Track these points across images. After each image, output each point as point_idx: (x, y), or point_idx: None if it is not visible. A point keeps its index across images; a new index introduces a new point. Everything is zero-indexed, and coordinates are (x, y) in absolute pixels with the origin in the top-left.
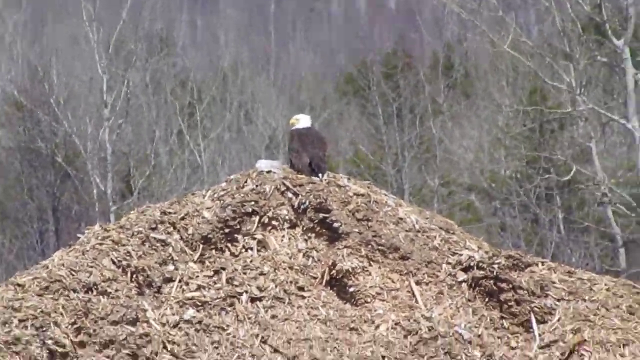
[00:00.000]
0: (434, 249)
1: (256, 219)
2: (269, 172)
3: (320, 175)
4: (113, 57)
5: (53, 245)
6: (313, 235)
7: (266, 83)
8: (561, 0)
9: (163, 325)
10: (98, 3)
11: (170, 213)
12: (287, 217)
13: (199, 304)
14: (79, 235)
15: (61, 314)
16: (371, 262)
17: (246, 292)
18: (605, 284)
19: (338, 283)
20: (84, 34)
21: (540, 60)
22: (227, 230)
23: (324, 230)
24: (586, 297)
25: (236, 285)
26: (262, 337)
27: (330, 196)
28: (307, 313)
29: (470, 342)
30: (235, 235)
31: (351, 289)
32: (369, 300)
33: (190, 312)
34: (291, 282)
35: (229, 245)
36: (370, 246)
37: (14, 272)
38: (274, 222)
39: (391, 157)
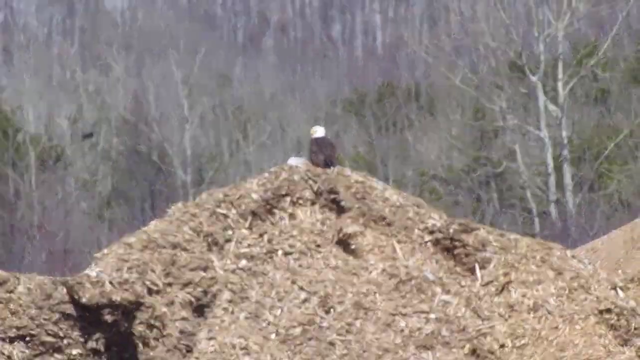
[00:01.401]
0: (409, 218)
1: (288, 198)
2: (296, 166)
3: (331, 168)
4: (191, 87)
5: (150, 217)
6: (327, 209)
7: (294, 105)
8: (494, 49)
9: (225, 271)
10: (181, 50)
11: (229, 195)
12: (309, 197)
13: (249, 257)
14: (167, 210)
15: (155, 263)
16: (366, 228)
17: (281, 248)
18: (526, 242)
19: (344, 242)
20: (171, 72)
21: (481, 90)
22: (268, 207)
23: (334, 206)
24: (512, 251)
25: (274, 244)
26: (292, 279)
27: (338, 183)
28: (322, 263)
29: (434, 282)
30: (274, 209)
31: (353, 247)
32: (364, 254)
33: (243, 262)
34: (312, 242)
35: (269, 216)
36: (365, 217)
37: (123, 235)
38: (300, 201)
39: (380, 155)
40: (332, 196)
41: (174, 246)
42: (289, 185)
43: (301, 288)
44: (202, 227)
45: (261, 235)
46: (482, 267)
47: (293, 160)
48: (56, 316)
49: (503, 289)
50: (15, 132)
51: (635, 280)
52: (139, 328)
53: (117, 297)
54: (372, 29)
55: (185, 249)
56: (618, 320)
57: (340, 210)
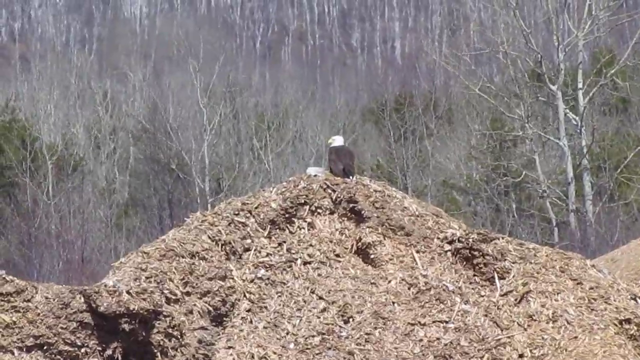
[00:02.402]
0: (428, 228)
1: (307, 207)
2: (315, 175)
3: (350, 177)
4: (210, 96)
5: (168, 225)
6: (345, 219)
7: (313, 114)
8: (514, 58)
9: (243, 280)
10: (201, 60)
11: (248, 203)
12: (328, 206)
13: (268, 266)
14: (185, 219)
15: (174, 272)
16: (385, 237)
17: (300, 258)
18: (545, 252)
19: (363, 252)
20: (190, 81)
21: (500, 99)
22: (287, 215)
23: (353, 215)
24: (532, 261)
25: (293, 253)
26: (311, 289)
27: (357, 192)
28: (341, 272)
29: (453, 292)
30: (293, 218)
31: (372, 256)
32: (383, 263)
33: (262, 272)
34: (331, 251)
35: (288, 225)
36: (384, 226)
37: (141, 244)
38: (319, 210)
39: (399, 165)
40: (351, 205)
41: (193, 255)
42: (307, 194)
43: (320, 297)
44: (220, 236)
45: (280, 245)
46: (501, 277)
47: (312, 170)
48: (74, 325)
49: (522, 298)
50: (32, 141)
51: None
52: (157, 337)
53: (134, 306)
54: (391, 38)
55: (203, 258)
56: (638, 330)
57: (359, 219)
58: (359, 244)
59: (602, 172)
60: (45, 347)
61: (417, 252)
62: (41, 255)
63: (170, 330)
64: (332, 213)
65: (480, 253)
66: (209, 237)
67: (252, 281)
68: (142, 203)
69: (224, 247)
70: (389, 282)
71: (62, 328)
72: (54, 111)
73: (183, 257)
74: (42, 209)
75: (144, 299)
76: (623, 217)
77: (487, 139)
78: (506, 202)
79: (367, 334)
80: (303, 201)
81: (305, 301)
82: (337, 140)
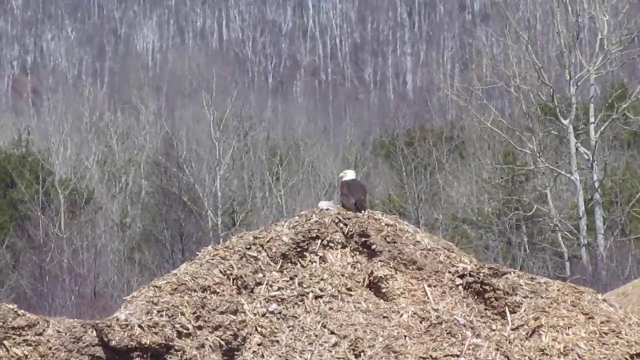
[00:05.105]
0: (439, 262)
1: (318, 241)
2: (327, 209)
3: (362, 211)
4: (223, 130)
5: (180, 259)
6: (357, 253)
7: (325, 148)
8: (526, 92)
9: (255, 314)
10: (214, 94)
11: (260, 237)
12: (339, 240)
13: (279, 300)
14: (197, 253)
15: (185, 306)
16: (397, 272)
17: (312, 291)
18: (556, 286)
19: (375, 286)
20: (202, 115)
21: (512, 133)
22: (298, 249)
23: (365, 250)
24: (543, 295)
25: (305, 287)
26: (323, 323)
27: (369, 226)
28: (353, 306)
29: (464, 326)
30: (304, 252)
31: (383, 290)
32: (395, 297)
33: (273, 306)
34: (342, 285)
35: (300, 259)
36: (396, 260)
37: (153, 278)
38: (330, 244)
39: (411, 199)
40: (363, 239)
41: (204, 289)
42: (319, 228)
43: (332, 332)
44: (232, 270)
45: (292, 279)
46: (512, 311)
47: (324, 204)
48: (86, 359)
49: (533, 333)
50: (45, 175)
51: None
52: None
53: (146, 341)
54: (403, 72)
55: (215, 292)
56: None
57: (371, 253)
58: (371, 277)
59: (614, 207)
60: None
61: (429, 286)
62: (53, 289)
63: None
64: (344, 247)
65: (492, 287)
66: (221, 271)
67: (263, 315)
68: (155, 237)
69: (235, 281)
70: (401, 316)
71: None
72: (66, 145)
73: (195, 291)
74: (55, 242)
75: (156, 333)
76: (635, 252)
77: (499, 173)
78: (518, 236)
79: None
80: (315, 235)
81: (316, 335)
82: (349, 174)
